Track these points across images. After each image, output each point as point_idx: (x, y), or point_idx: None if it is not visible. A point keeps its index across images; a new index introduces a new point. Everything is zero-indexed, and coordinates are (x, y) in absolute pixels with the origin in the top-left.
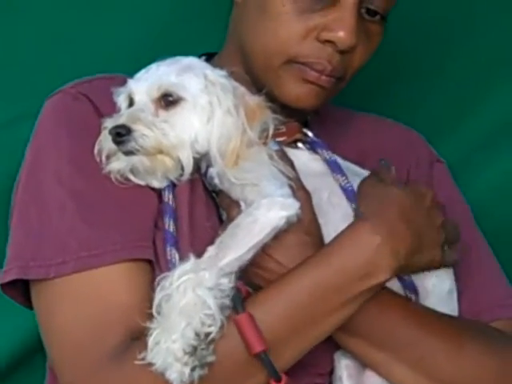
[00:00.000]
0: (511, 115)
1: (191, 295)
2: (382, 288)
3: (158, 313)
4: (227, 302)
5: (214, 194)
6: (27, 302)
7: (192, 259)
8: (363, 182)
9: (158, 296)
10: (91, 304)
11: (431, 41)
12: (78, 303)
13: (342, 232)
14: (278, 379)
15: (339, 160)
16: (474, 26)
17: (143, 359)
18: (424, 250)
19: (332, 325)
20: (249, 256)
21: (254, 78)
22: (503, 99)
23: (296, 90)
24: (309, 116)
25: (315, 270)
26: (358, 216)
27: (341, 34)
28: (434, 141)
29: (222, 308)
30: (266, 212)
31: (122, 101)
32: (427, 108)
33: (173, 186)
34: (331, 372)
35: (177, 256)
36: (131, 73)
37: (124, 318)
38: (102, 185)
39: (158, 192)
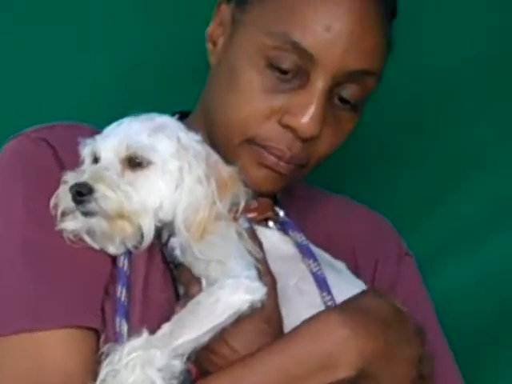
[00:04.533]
0: (484, 209)
1: (139, 373)
2: None
3: None
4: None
5: (172, 266)
6: None
7: (145, 335)
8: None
9: (104, 370)
10: (29, 369)
11: (408, 128)
12: (15, 367)
13: (309, 318)
14: None
15: (311, 245)
16: (453, 119)
17: None
18: (395, 365)
19: None
20: (206, 338)
21: (215, 148)
22: (475, 194)
23: (253, 174)
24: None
25: (272, 356)
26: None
27: (303, 121)
28: (403, 231)
29: None
30: (230, 293)
31: (86, 154)
32: (398, 196)
33: (129, 252)
34: None
35: (126, 328)
36: (101, 121)
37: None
38: (55, 241)
39: (113, 255)
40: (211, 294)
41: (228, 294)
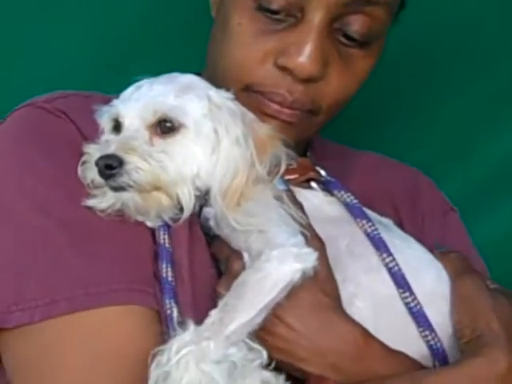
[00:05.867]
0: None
1: (195, 371)
2: None
3: None
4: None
5: (208, 240)
6: None
7: (192, 327)
8: (463, 278)
9: (154, 374)
10: (88, 351)
11: (431, 78)
12: (72, 351)
13: (478, 359)
14: None
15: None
16: (476, 65)
17: None
18: None
19: None
20: (259, 319)
21: None
22: (506, 140)
23: None
24: (308, 152)
25: None
26: (485, 340)
27: (300, 60)
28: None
29: None
30: (278, 265)
31: (105, 123)
32: (426, 149)
33: (167, 226)
34: None
35: (176, 310)
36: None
37: (135, 368)
38: (93, 214)
39: (152, 231)
40: (257, 269)
41: (276, 267)
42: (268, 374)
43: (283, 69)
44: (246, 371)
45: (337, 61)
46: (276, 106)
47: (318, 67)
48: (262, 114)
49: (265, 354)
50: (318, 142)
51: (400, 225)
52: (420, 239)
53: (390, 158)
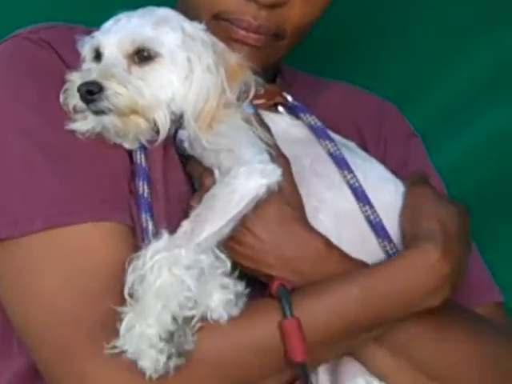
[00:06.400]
0: (480, 81)
1: (167, 275)
2: None
3: (131, 296)
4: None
5: (183, 160)
6: None
7: (165, 235)
8: (414, 188)
9: (130, 278)
10: (67, 265)
11: (396, 7)
12: (53, 265)
13: (409, 251)
14: None
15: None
16: None
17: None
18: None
19: (370, 337)
20: (227, 230)
21: None
22: (470, 65)
23: None
24: (277, 79)
25: (375, 283)
26: (423, 237)
27: None
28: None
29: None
30: (245, 180)
31: (87, 52)
32: (392, 75)
33: (144, 148)
34: None
35: (151, 223)
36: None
37: (108, 278)
38: (73, 137)
39: (129, 152)
40: (226, 184)
41: (243, 182)
42: (228, 280)
43: None
44: (209, 277)
45: None
46: (243, 32)
47: None
48: (231, 40)
49: (229, 263)
50: (288, 72)
51: (365, 148)
52: (382, 161)
53: (357, 87)
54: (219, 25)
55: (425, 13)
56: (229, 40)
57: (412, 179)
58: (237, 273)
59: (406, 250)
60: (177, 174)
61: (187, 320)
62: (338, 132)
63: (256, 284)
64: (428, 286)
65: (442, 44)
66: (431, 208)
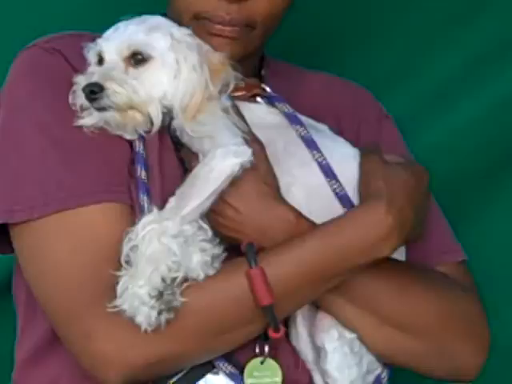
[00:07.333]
0: (460, 70)
1: (157, 244)
2: None
3: (127, 262)
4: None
5: (179, 147)
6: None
7: (155, 210)
8: (366, 157)
9: (126, 247)
10: (75, 239)
11: None
12: (64, 241)
13: (358, 207)
14: (278, 330)
15: (297, 113)
16: None
17: (115, 307)
18: (417, 227)
19: (330, 286)
20: (208, 203)
21: None
22: (452, 54)
23: (209, 45)
24: (262, 71)
25: (330, 236)
26: (371, 195)
27: None
28: (382, 96)
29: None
30: (220, 161)
31: (91, 57)
32: (375, 63)
33: (142, 137)
34: None
35: (147, 201)
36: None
37: (110, 249)
38: (80, 132)
39: (130, 142)
40: (205, 164)
41: (219, 162)
42: (206, 245)
43: None
44: (191, 243)
45: None
46: (219, 26)
47: None
48: (211, 35)
49: (210, 232)
50: (273, 64)
51: (341, 132)
52: (358, 143)
53: (336, 76)
54: (199, 23)
55: (406, 5)
56: (209, 35)
57: (364, 150)
58: (217, 240)
59: (357, 207)
60: (171, 159)
61: (174, 280)
62: (317, 118)
63: (235, 251)
64: (376, 236)
65: (427, 31)
66: (379, 171)
